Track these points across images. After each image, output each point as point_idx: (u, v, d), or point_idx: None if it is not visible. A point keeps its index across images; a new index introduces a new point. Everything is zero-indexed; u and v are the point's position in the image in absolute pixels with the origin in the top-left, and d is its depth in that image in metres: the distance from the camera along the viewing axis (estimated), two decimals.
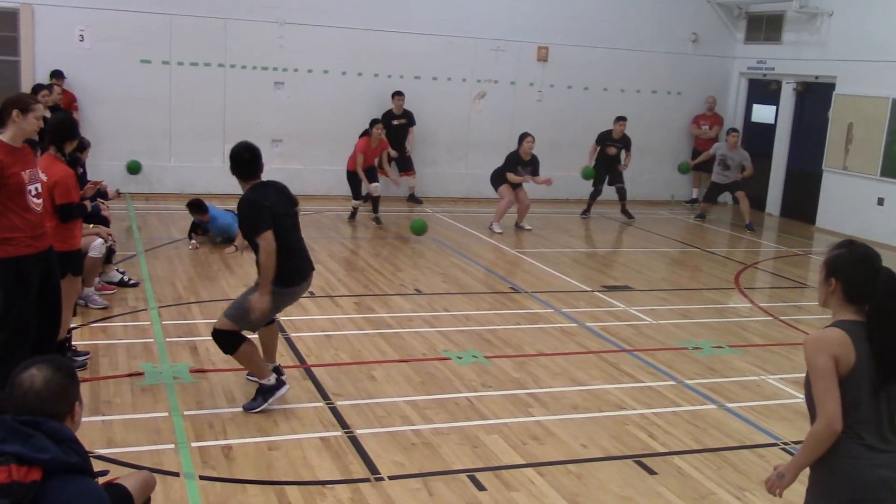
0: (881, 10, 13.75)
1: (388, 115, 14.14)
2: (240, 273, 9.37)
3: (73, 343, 6.65)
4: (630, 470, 5.46)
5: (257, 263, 5.84)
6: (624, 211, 14.63)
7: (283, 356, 6.75)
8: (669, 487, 5.26)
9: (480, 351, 7.44)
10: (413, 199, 14.65)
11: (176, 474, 4.98)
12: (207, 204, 10.56)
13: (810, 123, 15.46)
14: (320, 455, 5.34)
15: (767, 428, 6.25)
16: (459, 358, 7.22)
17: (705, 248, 12.80)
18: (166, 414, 5.78)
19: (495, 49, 15.15)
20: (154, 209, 12.60)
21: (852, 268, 3.29)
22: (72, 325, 6.70)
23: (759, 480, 5.38)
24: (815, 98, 15.41)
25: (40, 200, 5.52)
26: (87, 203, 6.80)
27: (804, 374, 3.32)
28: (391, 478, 5.12)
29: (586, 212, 14.55)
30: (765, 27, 16.19)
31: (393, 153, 13.50)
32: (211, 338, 6.01)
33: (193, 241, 10.43)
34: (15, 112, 5.29)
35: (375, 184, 12.52)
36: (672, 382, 7.04)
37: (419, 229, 11.66)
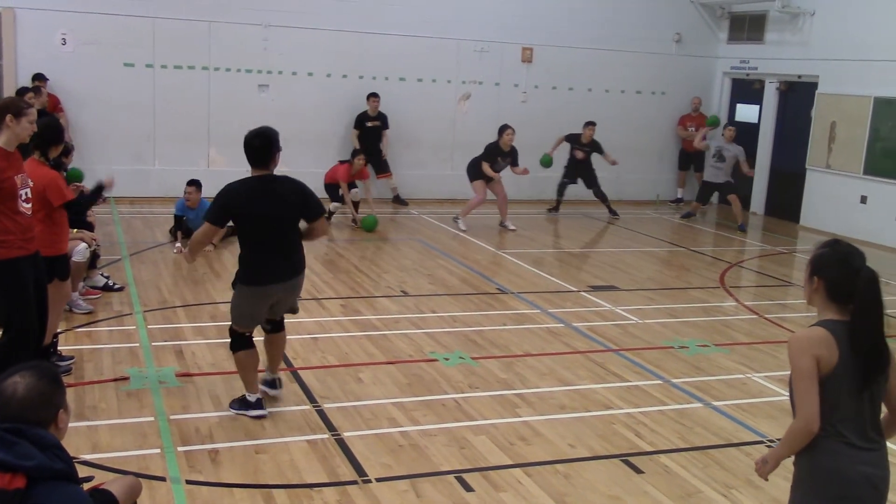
0: (863, 10, 13.85)
1: (363, 117, 14.14)
2: (225, 276, 9.34)
3: (58, 348, 6.62)
4: (617, 469, 5.47)
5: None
6: (610, 210, 14.70)
7: None
8: (656, 486, 5.28)
9: (467, 352, 7.44)
10: (398, 200, 14.64)
11: (162, 479, 4.96)
12: (203, 198, 10.66)
13: (793, 123, 15.55)
14: (307, 458, 5.33)
15: (753, 426, 6.28)
16: (446, 359, 7.22)
17: (691, 247, 12.85)
18: (152, 418, 5.76)
19: (480, 50, 15.17)
20: (139, 213, 12.54)
21: (835, 266, 3.32)
22: (57, 330, 6.67)
23: (746, 478, 5.42)
24: (797, 97, 15.50)
25: (29, 205, 5.58)
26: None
27: (789, 372, 3.35)
28: (378, 480, 5.11)
29: (555, 209, 14.66)
30: (747, 27, 16.27)
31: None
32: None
33: (178, 245, 10.39)
34: (9, 117, 5.34)
35: (355, 189, 12.66)
36: (658, 381, 7.06)
37: (370, 225, 12.14)
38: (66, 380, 5.60)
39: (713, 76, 17.07)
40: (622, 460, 5.59)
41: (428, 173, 15.25)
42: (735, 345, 8.17)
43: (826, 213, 14.46)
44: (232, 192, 5.61)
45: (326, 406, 6.13)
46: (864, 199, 13.88)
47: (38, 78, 12.17)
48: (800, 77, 15.28)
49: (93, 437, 5.43)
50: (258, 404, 5.85)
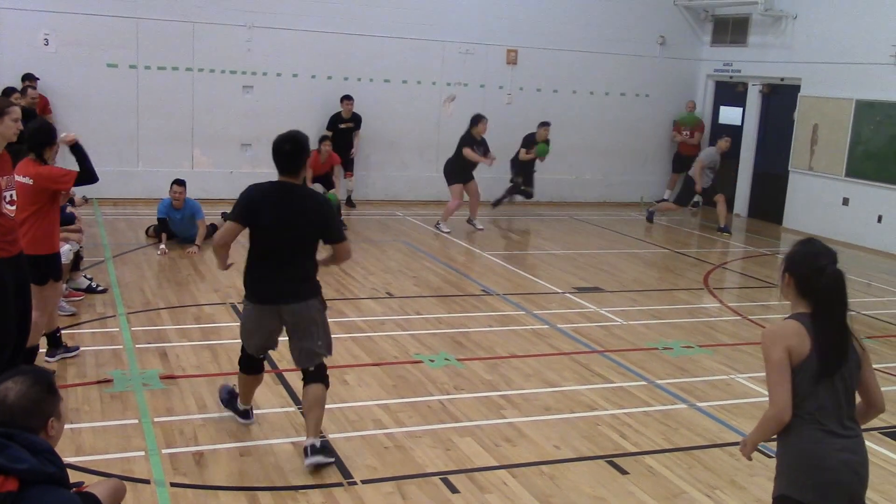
0: (844, 13, 13.96)
1: (336, 119, 14.09)
2: (209, 278, 9.31)
3: (63, 341, 6.82)
4: (602, 470, 5.49)
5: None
6: (520, 193, 14.48)
7: None
8: (641, 487, 5.30)
9: (452, 353, 7.44)
10: (349, 202, 14.36)
11: (147, 481, 4.94)
12: (186, 198, 10.62)
13: (776, 125, 15.66)
14: (292, 460, 5.32)
15: (737, 426, 6.31)
16: (432, 361, 7.22)
17: (675, 249, 12.90)
18: (136, 421, 5.73)
19: (464, 52, 15.19)
20: (122, 215, 12.47)
21: (803, 264, 3.47)
22: (58, 325, 6.83)
23: (730, 478, 5.46)
24: (780, 100, 15.61)
25: (13, 207, 5.52)
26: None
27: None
28: (364, 482, 5.11)
29: (498, 203, 14.45)
30: (731, 30, 16.36)
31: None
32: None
33: (162, 247, 10.35)
34: None
35: (332, 190, 12.67)
36: (643, 383, 7.09)
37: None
38: None
39: (697, 78, 17.15)
40: (607, 461, 5.60)
41: (413, 175, 15.25)
42: (719, 346, 8.21)
43: (808, 215, 14.57)
44: (256, 192, 5.20)
45: None
46: (846, 201, 13.99)
47: (28, 78, 12.10)
48: (782, 80, 15.38)
49: (76, 439, 5.40)
50: (245, 414, 5.78)
